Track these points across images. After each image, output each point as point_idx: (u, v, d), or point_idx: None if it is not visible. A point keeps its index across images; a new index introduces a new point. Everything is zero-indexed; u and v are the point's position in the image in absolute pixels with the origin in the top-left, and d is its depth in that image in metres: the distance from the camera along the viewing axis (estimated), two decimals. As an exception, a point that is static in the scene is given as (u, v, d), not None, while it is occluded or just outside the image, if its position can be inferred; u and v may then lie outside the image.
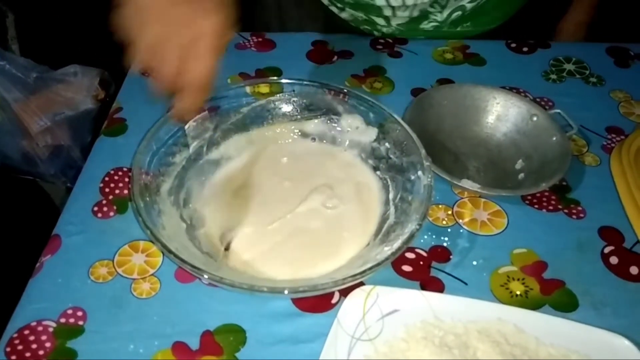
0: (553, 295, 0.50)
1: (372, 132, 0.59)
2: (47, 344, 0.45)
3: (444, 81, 0.71)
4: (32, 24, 1.46)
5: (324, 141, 0.61)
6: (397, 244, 0.47)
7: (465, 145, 0.64)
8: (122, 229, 0.54)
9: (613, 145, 0.64)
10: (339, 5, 0.77)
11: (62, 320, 0.47)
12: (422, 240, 0.54)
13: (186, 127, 0.56)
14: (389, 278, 0.50)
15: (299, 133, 0.61)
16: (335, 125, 0.61)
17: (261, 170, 0.59)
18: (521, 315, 0.47)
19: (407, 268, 0.52)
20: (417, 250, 0.53)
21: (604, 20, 0.91)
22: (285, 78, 0.61)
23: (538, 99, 0.69)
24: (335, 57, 0.75)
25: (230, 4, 0.45)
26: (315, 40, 0.77)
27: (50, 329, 0.46)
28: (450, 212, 0.57)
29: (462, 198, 0.58)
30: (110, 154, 0.61)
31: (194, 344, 0.46)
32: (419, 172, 0.52)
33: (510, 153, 0.63)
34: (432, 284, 0.51)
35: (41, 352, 0.45)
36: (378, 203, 0.56)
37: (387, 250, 0.47)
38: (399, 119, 0.56)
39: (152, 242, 0.49)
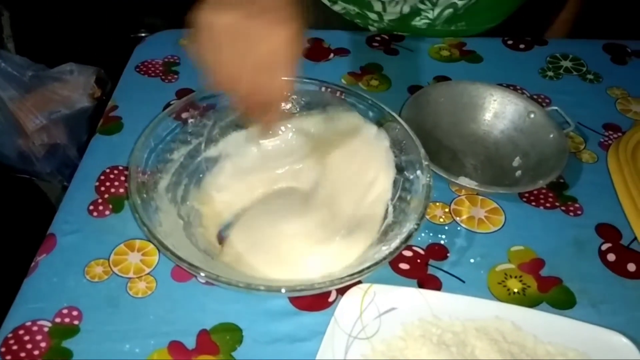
0: (550, 293, 0.50)
1: (371, 131, 0.58)
2: (42, 344, 0.45)
3: (441, 78, 0.71)
4: (28, 22, 1.45)
5: (322, 139, 0.61)
6: (395, 243, 0.46)
7: (463, 143, 0.64)
8: (118, 227, 0.53)
9: (610, 142, 0.64)
10: None
11: (58, 319, 0.47)
12: (419, 238, 0.54)
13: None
14: (386, 276, 0.50)
15: (297, 131, 0.61)
16: (334, 123, 0.60)
17: (259, 170, 0.59)
18: (519, 313, 0.47)
19: (404, 266, 0.52)
20: (415, 248, 0.53)
21: (600, 16, 0.91)
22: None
23: (535, 96, 0.69)
24: (332, 55, 0.74)
25: (301, 13, 0.44)
26: (311, 37, 0.76)
27: (46, 329, 0.46)
28: (447, 210, 0.57)
29: (460, 196, 0.58)
30: (105, 152, 0.61)
31: (190, 343, 0.46)
32: (418, 172, 0.52)
33: (507, 150, 0.63)
34: (429, 282, 0.51)
35: (36, 352, 0.45)
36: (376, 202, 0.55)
37: (385, 249, 0.47)
38: (399, 118, 0.55)
39: (149, 239, 0.48)
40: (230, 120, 0.59)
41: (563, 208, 0.57)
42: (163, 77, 0.70)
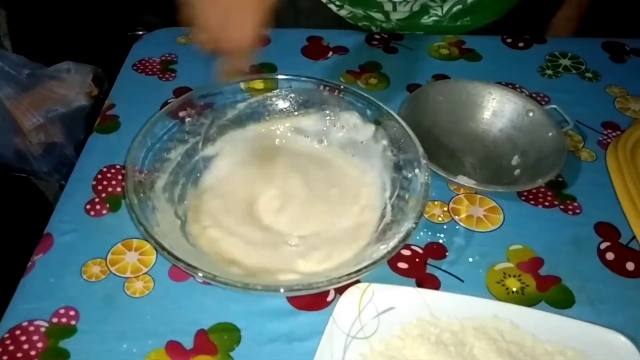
0: (549, 292, 0.50)
1: (369, 129, 0.58)
2: (39, 344, 0.45)
3: (440, 77, 0.71)
4: (25, 21, 1.45)
5: (320, 138, 0.61)
6: (393, 242, 0.46)
7: (461, 142, 0.64)
8: (115, 227, 0.53)
9: (609, 140, 0.64)
10: (337, 2, 0.77)
11: (54, 320, 0.46)
12: (417, 237, 0.54)
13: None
14: (385, 275, 0.50)
15: (295, 130, 0.61)
16: (332, 122, 0.60)
17: (256, 170, 0.58)
18: (517, 312, 0.46)
19: (402, 265, 0.51)
20: (413, 247, 0.53)
21: (599, 15, 0.91)
22: (282, 74, 0.60)
23: (534, 95, 0.69)
24: (330, 53, 0.74)
25: None
26: (310, 35, 0.76)
27: (42, 329, 0.46)
28: (446, 209, 0.56)
29: (458, 194, 0.58)
30: (102, 151, 0.61)
31: (188, 343, 0.45)
32: (416, 170, 0.52)
33: (506, 149, 0.62)
34: (428, 281, 0.50)
35: (33, 353, 0.44)
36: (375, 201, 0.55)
37: (383, 248, 0.47)
38: (397, 117, 0.55)
39: (146, 239, 0.48)
40: (227, 119, 0.59)
41: (562, 207, 0.57)
42: (160, 75, 0.70)
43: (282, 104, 0.61)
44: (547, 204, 0.57)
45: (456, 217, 0.56)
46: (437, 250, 0.53)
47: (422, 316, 0.46)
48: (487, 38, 0.77)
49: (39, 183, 1.31)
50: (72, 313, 0.47)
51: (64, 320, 0.46)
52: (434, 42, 0.76)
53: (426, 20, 0.76)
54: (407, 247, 0.53)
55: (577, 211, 0.57)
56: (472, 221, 0.55)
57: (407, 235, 0.46)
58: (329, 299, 0.49)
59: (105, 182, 0.57)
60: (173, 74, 0.70)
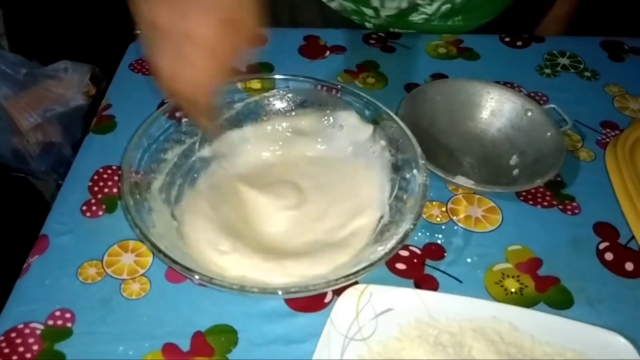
0: (548, 293, 0.50)
1: (367, 129, 0.58)
2: (35, 347, 0.44)
3: (438, 76, 0.70)
4: (22, 20, 1.44)
5: (319, 139, 0.60)
6: (391, 243, 0.46)
7: (460, 141, 0.63)
8: (112, 228, 0.53)
9: (608, 140, 0.64)
10: None
11: (50, 322, 0.46)
12: (416, 238, 0.53)
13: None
14: (383, 276, 0.50)
15: (293, 130, 0.61)
16: (330, 122, 0.60)
17: (255, 171, 0.58)
18: (516, 313, 0.46)
19: (401, 266, 0.51)
20: (411, 247, 0.53)
21: (598, 13, 0.90)
22: (280, 74, 0.60)
23: (532, 94, 0.69)
24: (328, 52, 0.74)
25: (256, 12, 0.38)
26: (307, 35, 0.76)
27: (38, 331, 0.45)
28: (444, 209, 0.56)
29: (457, 195, 0.57)
30: (99, 152, 0.60)
31: (185, 345, 0.45)
32: (414, 171, 0.51)
33: (504, 149, 0.62)
34: (426, 282, 0.50)
35: (28, 355, 0.44)
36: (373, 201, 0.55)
37: (381, 250, 0.46)
38: (395, 116, 0.55)
39: (142, 241, 0.48)
40: (224, 119, 0.58)
41: (560, 207, 0.57)
42: (157, 75, 0.70)
43: (279, 104, 0.60)
44: (545, 204, 0.57)
45: (454, 217, 0.55)
46: (435, 251, 0.53)
47: (421, 317, 0.46)
48: (485, 37, 0.77)
49: (37, 183, 1.30)
50: (68, 315, 0.47)
51: (59, 322, 0.46)
52: (432, 41, 0.76)
53: (415, 18, 0.75)
54: (405, 247, 0.52)
55: (576, 211, 0.56)
56: (470, 221, 0.55)
57: (405, 236, 0.46)
58: (326, 300, 0.48)
59: (101, 183, 0.57)
60: (170, 74, 0.70)
